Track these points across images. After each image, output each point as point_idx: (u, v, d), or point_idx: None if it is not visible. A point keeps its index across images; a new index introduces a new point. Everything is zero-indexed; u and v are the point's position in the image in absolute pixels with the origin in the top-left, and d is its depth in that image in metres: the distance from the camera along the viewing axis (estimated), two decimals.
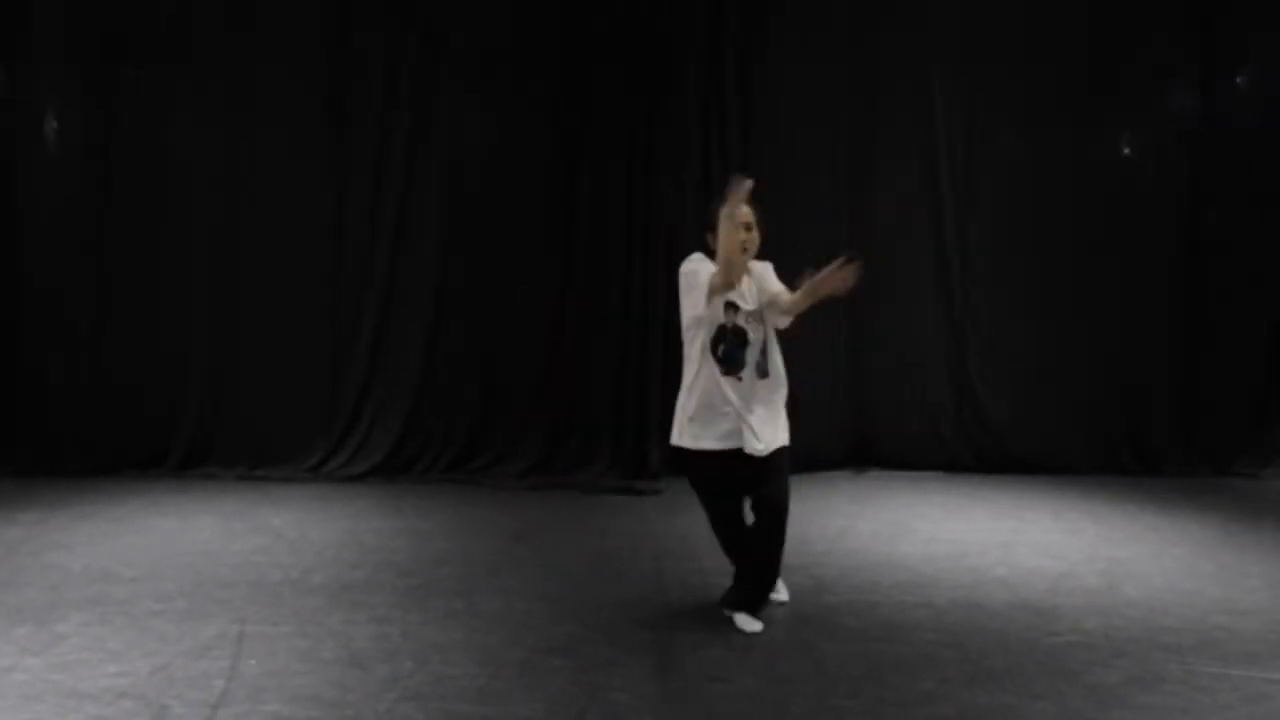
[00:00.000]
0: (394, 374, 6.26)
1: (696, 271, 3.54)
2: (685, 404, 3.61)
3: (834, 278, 3.36)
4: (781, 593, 3.89)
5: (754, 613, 3.66)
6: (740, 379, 3.53)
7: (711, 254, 3.57)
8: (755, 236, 3.54)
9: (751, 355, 3.55)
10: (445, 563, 4.38)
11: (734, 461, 3.55)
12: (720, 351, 3.53)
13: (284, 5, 6.18)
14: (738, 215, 3.41)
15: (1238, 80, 6.59)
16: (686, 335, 3.64)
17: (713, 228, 3.51)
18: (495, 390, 6.29)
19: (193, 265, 6.16)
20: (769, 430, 3.57)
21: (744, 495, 3.68)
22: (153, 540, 4.66)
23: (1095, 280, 6.58)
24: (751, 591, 3.70)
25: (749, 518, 3.72)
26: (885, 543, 4.88)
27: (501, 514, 5.35)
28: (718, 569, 4.38)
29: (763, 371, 3.57)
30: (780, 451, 3.61)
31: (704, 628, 3.65)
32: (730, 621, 3.65)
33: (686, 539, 4.89)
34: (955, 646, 3.47)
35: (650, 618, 3.76)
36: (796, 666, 3.31)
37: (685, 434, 3.60)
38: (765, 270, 3.63)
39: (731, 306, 3.54)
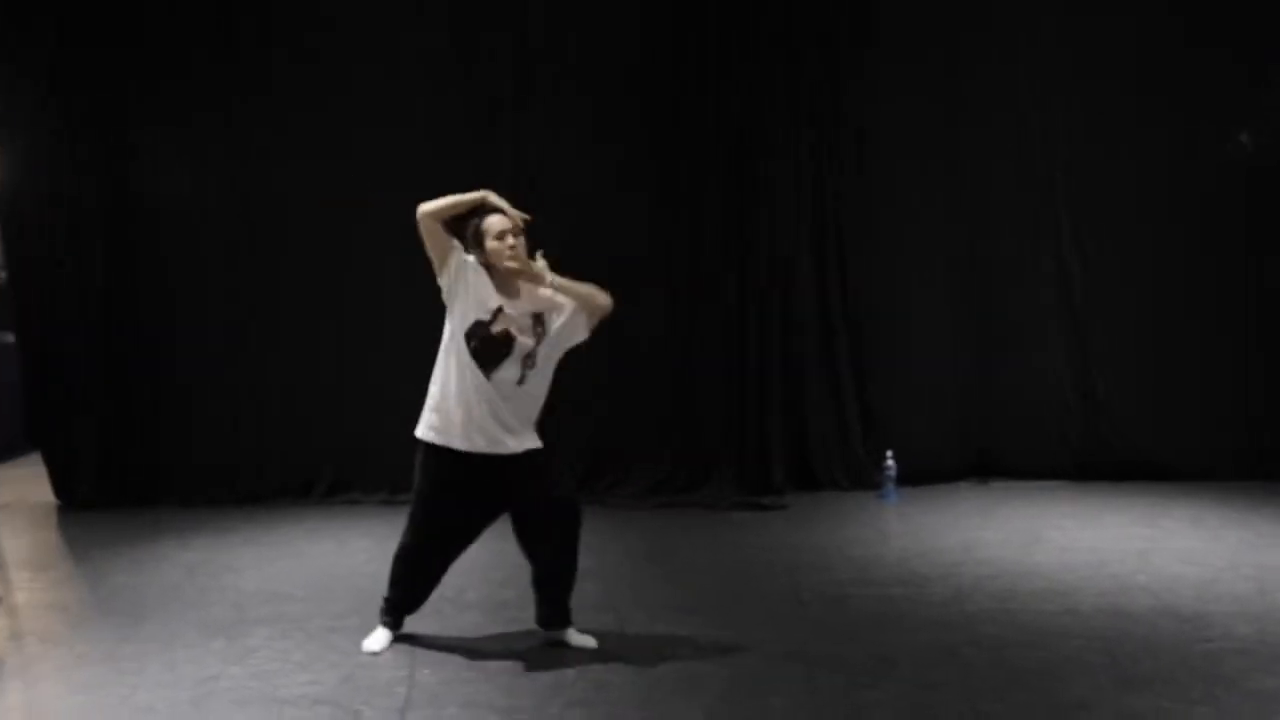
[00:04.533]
0: None
1: (463, 264, 3.52)
2: (435, 398, 3.56)
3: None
4: (588, 640, 3.69)
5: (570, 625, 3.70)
6: (492, 380, 3.46)
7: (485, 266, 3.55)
8: (522, 242, 3.52)
9: (510, 366, 3.47)
10: (587, 579, 4.49)
11: (481, 466, 3.50)
12: (474, 350, 3.47)
13: (402, 61, 6.49)
14: (500, 227, 3.50)
15: None
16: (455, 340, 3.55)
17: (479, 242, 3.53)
18: (617, 411, 6.45)
19: (337, 307, 6.47)
20: (523, 434, 3.53)
21: (512, 511, 3.64)
22: (315, 563, 4.99)
23: (1226, 279, 6.41)
24: (563, 603, 3.70)
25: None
26: (1018, 551, 4.88)
27: (631, 532, 5.52)
28: (853, 580, 4.51)
29: (520, 380, 3.50)
30: (536, 453, 3.56)
31: (846, 638, 3.75)
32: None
33: (820, 552, 5.00)
34: (1103, 653, 3.49)
35: (793, 630, 3.87)
36: (943, 674, 3.38)
37: (430, 427, 3.55)
38: (549, 309, 3.57)
39: (504, 315, 3.50)
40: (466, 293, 3.52)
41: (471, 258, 3.57)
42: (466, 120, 6.43)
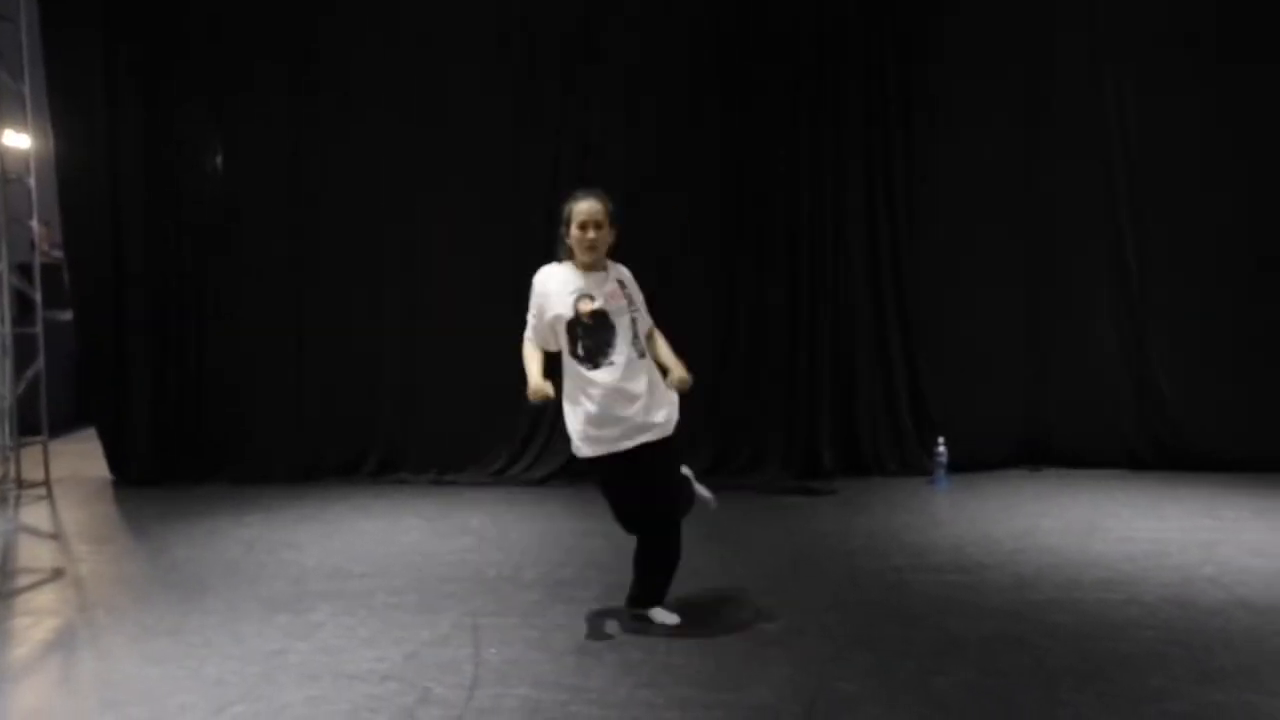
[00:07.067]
0: None
1: (542, 286, 3.59)
2: (572, 417, 3.59)
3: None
4: (670, 616, 3.72)
5: (661, 603, 3.72)
6: (613, 364, 3.50)
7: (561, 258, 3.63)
8: (605, 234, 3.56)
9: (622, 339, 3.52)
10: None
11: (635, 456, 3.53)
12: (581, 348, 3.52)
13: (460, 43, 6.46)
14: (583, 216, 3.54)
15: None
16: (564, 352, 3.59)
17: (567, 224, 3.58)
18: None
19: (384, 288, 6.50)
20: (662, 411, 3.55)
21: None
22: (370, 540, 5.01)
23: None
24: (653, 584, 3.73)
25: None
26: (1077, 540, 4.82)
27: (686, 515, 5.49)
28: (910, 566, 4.48)
29: (640, 353, 3.55)
30: (668, 439, 3.57)
31: (911, 624, 3.71)
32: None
33: (873, 538, 4.96)
34: (1179, 645, 3.43)
35: (856, 614, 3.84)
36: (1015, 661, 3.34)
37: (585, 445, 3.60)
38: (628, 280, 3.67)
39: (586, 297, 3.54)
40: (550, 308, 3.57)
41: (546, 272, 3.63)
42: (517, 101, 6.42)
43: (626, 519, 3.70)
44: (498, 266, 6.47)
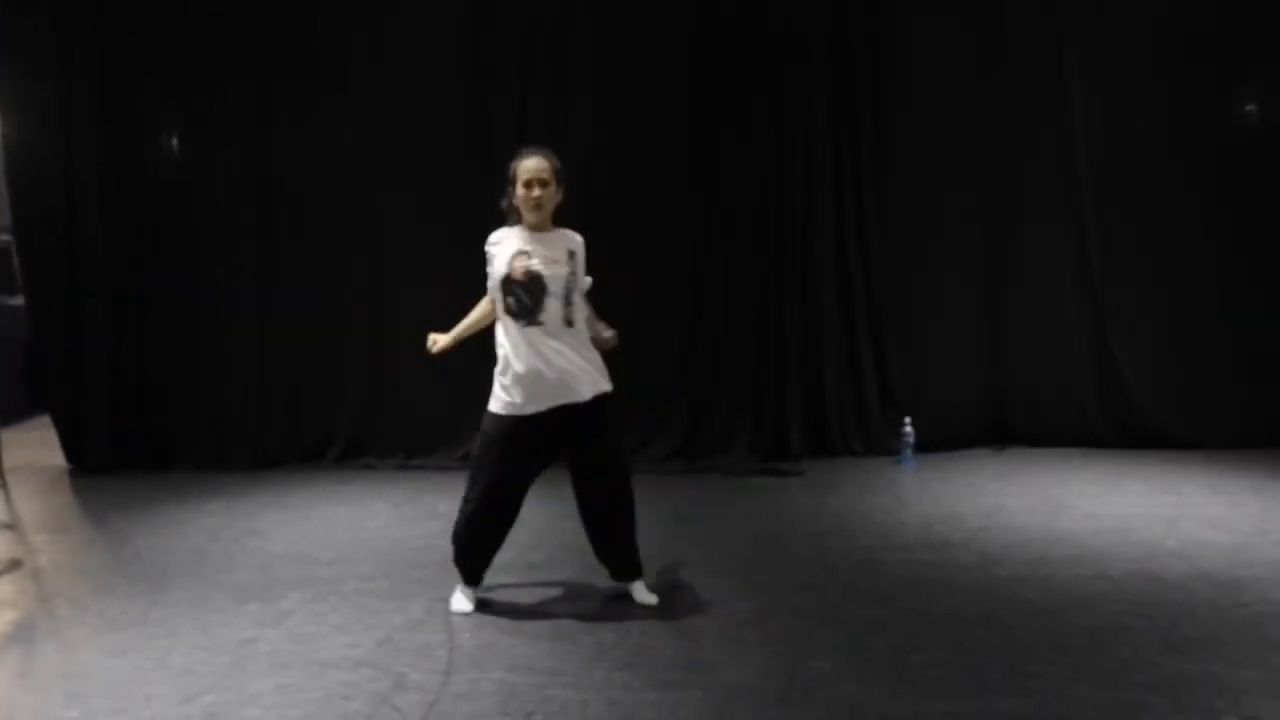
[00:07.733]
0: None
1: (493, 246, 3.57)
2: (502, 373, 3.56)
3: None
4: (650, 596, 3.76)
5: (640, 571, 3.79)
6: (542, 324, 3.46)
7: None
8: (551, 192, 3.52)
9: (553, 303, 3.47)
10: None
11: (557, 419, 3.52)
12: (513, 304, 3.47)
13: (422, 32, 6.38)
14: (528, 175, 3.50)
15: None
16: (498, 310, 3.58)
17: (513, 183, 3.55)
18: (636, 376, 6.39)
19: (349, 273, 6.40)
20: (591, 376, 3.56)
21: (570, 459, 3.67)
22: (337, 526, 4.95)
23: (1244, 251, 6.39)
24: (626, 557, 3.77)
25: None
26: (1043, 518, 4.88)
27: (654, 496, 5.46)
28: (878, 545, 4.51)
29: (568, 321, 3.51)
30: (601, 400, 3.58)
31: (881, 603, 3.74)
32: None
33: (841, 518, 4.99)
34: (1144, 617, 3.50)
35: (827, 594, 3.86)
36: (985, 638, 3.38)
37: (503, 402, 3.54)
38: (579, 250, 3.62)
39: (522, 254, 3.49)
40: (496, 270, 3.57)
41: (497, 235, 3.60)
42: (483, 95, 6.37)
43: (507, 494, 3.62)
44: (462, 250, 6.35)
